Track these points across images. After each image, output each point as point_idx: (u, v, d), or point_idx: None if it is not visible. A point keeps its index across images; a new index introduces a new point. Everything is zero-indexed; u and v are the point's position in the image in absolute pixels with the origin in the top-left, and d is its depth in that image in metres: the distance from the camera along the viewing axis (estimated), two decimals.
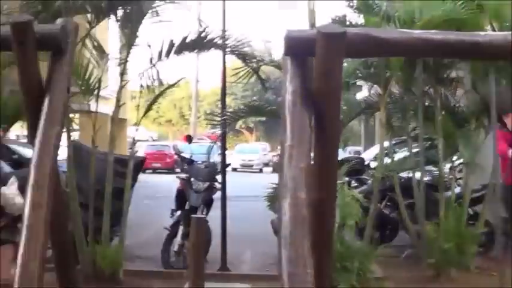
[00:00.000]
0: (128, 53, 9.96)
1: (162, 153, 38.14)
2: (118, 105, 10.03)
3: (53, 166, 4.01)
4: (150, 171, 35.91)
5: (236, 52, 10.56)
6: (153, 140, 52.87)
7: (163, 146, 41.54)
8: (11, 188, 5.46)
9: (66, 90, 4.20)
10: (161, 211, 15.47)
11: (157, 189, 23.36)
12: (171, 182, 20.90)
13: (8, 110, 10.66)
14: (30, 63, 4.05)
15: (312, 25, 9.51)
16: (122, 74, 9.98)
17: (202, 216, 9.71)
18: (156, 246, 11.23)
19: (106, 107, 13.38)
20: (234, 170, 39.93)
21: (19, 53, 3.99)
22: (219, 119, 11.79)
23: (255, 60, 11.02)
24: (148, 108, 10.40)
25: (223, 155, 11.12)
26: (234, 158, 43.70)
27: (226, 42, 10.38)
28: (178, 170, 23.80)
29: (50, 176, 3.99)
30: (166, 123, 72.30)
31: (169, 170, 34.85)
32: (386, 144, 11.88)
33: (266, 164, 48.82)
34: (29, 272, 3.81)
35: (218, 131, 14.23)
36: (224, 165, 11.04)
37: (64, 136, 9.09)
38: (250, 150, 49.84)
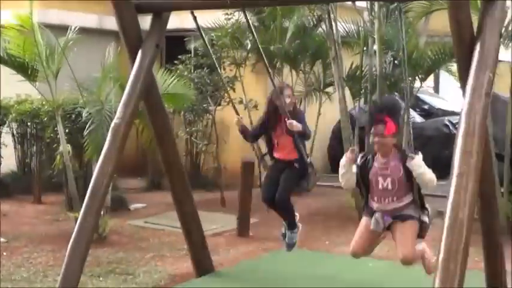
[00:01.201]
0: None
1: None
2: None
3: (484, 113, 3.92)
4: None
5: None
6: None
7: None
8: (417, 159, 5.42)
9: (499, 35, 4.05)
10: None
11: None
12: None
13: (423, 61, 10.77)
14: (462, 11, 4.00)
15: None
16: None
17: None
18: None
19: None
20: None
21: (452, 1, 3.96)
22: None
23: None
24: None
25: None
26: None
27: None
28: None
29: (480, 123, 3.92)
30: None
31: None
32: None
33: None
34: (458, 220, 3.79)
35: None
36: None
37: None
38: None
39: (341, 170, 5.76)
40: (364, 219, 5.78)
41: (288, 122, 6.13)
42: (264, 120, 6.54)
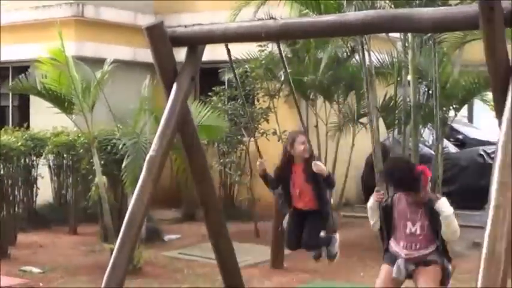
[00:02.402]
0: None
1: None
2: None
3: None
4: None
5: None
6: None
7: None
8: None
9: None
10: None
11: None
12: None
13: (457, 91, 10.73)
14: (498, 40, 3.96)
15: None
16: None
17: None
18: None
19: None
20: None
21: (487, 31, 3.93)
22: None
23: None
24: None
25: None
26: None
27: None
28: None
29: None
30: None
31: None
32: None
33: None
34: (495, 252, 3.75)
35: None
36: None
37: None
38: None
39: (369, 212, 5.64)
40: (384, 267, 5.63)
41: (314, 162, 5.71)
42: (280, 171, 6.06)
